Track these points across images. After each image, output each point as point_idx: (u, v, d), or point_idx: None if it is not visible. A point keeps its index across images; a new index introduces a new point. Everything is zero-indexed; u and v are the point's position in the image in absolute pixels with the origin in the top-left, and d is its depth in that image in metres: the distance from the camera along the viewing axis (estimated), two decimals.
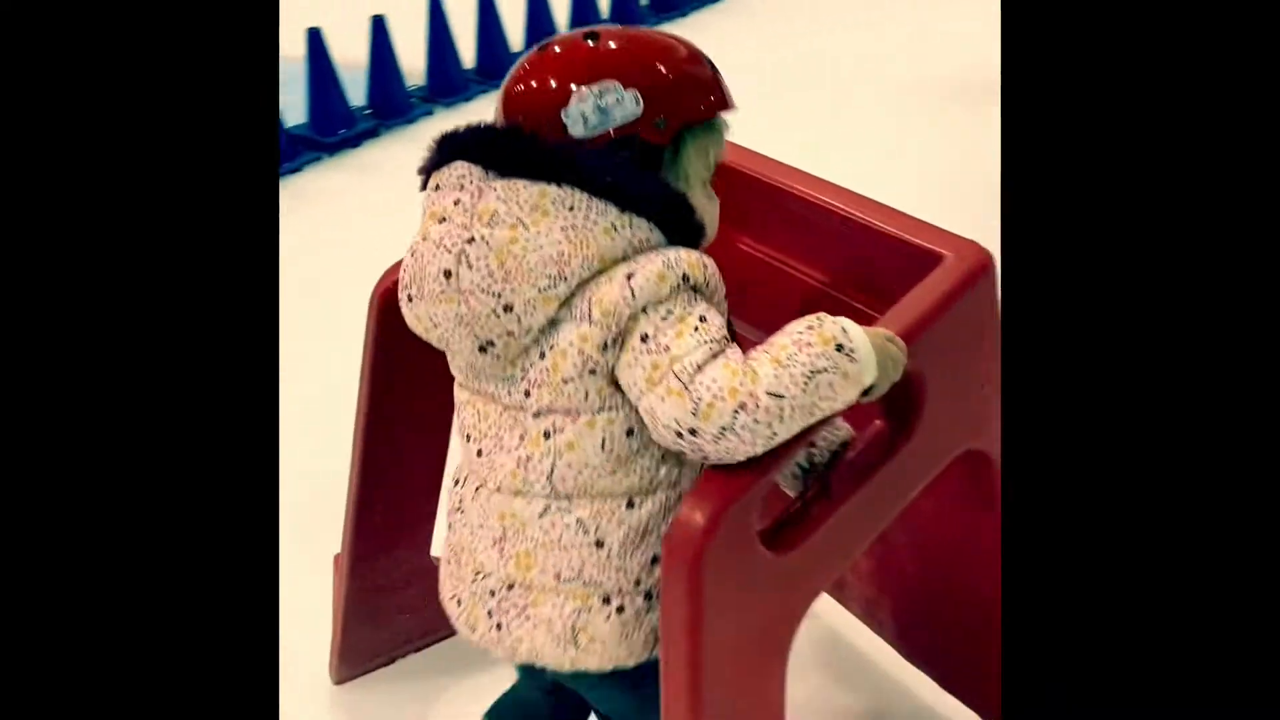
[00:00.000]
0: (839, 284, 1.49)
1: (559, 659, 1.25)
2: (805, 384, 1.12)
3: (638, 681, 1.28)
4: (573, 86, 1.20)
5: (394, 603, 1.88)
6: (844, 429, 1.36)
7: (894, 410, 1.30)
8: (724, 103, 1.27)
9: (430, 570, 1.89)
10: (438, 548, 1.85)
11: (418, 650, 1.98)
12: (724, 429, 1.11)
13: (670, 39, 1.28)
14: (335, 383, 2.03)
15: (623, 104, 1.20)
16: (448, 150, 1.25)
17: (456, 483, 1.36)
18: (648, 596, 1.24)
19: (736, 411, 1.11)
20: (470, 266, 1.18)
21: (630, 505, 1.23)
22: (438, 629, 1.96)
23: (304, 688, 1.91)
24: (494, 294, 1.17)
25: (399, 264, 1.53)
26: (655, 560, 1.23)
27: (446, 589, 1.36)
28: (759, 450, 1.13)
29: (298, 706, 1.86)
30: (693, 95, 1.25)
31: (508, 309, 1.17)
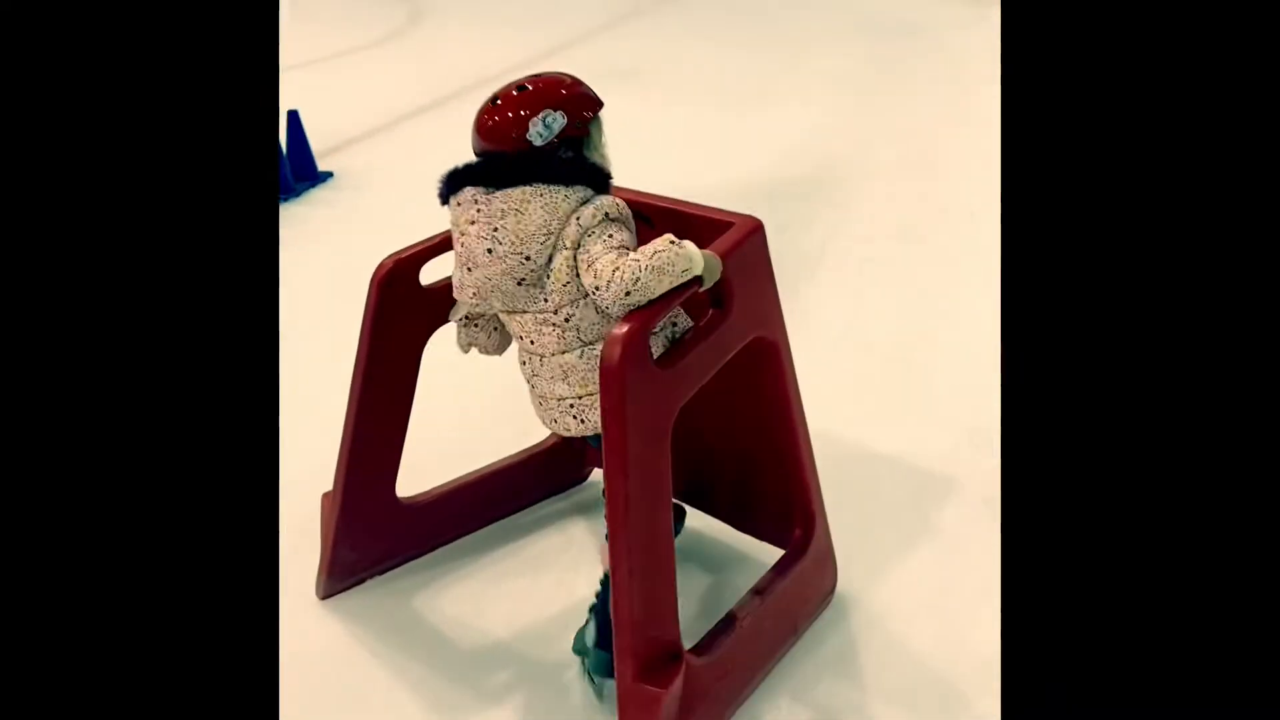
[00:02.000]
0: None
1: (596, 429, 2.14)
2: (653, 255, 2.00)
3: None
4: (527, 118, 2.07)
5: (368, 529, 2.59)
6: (689, 321, 2.24)
7: (717, 300, 2.18)
8: (599, 101, 2.17)
9: (394, 504, 2.64)
10: (400, 487, 2.61)
11: (380, 574, 2.68)
12: (632, 281, 1.97)
13: (562, 75, 2.17)
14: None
15: (557, 120, 2.09)
16: (458, 181, 2.12)
17: (524, 364, 2.23)
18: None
19: (624, 270, 1.97)
20: (500, 243, 2.05)
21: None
22: (394, 555, 2.69)
23: (295, 605, 2.59)
24: (518, 252, 2.05)
25: (390, 256, 2.36)
26: None
27: (545, 419, 2.25)
28: (645, 291, 1.97)
29: (294, 619, 2.55)
30: (587, 102, 2.16)
31: (527, 258, 2.05)
